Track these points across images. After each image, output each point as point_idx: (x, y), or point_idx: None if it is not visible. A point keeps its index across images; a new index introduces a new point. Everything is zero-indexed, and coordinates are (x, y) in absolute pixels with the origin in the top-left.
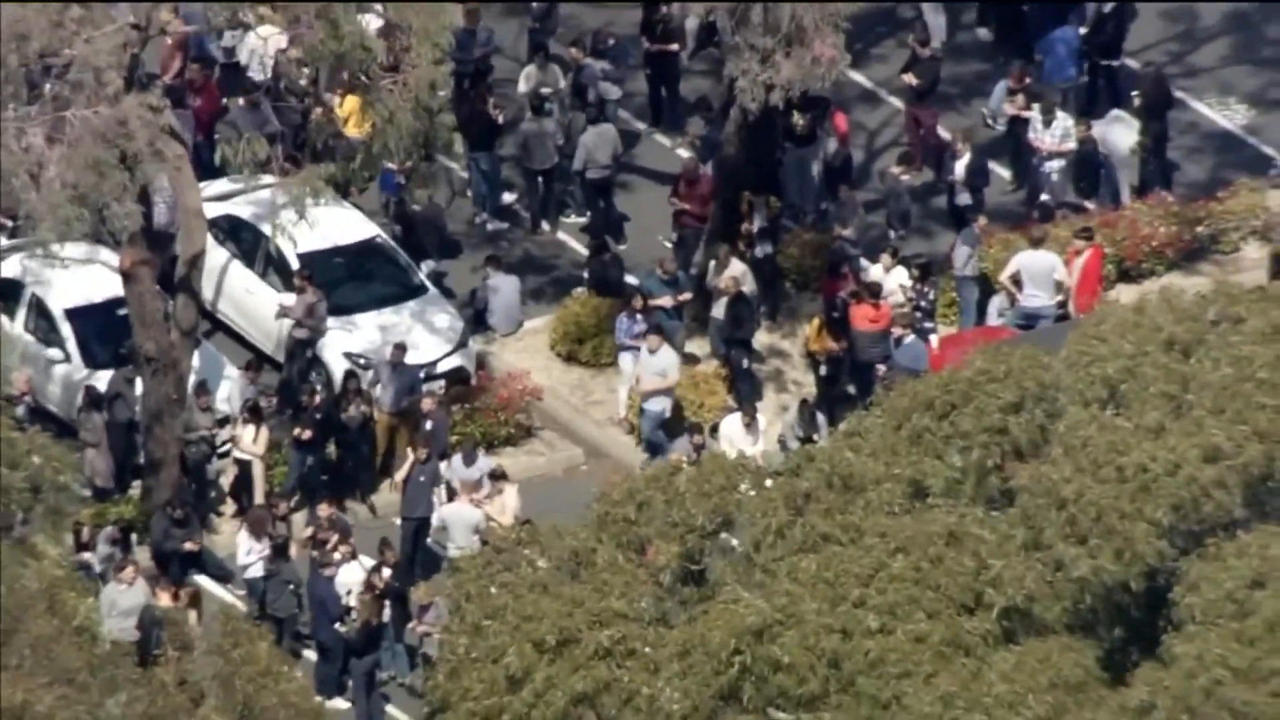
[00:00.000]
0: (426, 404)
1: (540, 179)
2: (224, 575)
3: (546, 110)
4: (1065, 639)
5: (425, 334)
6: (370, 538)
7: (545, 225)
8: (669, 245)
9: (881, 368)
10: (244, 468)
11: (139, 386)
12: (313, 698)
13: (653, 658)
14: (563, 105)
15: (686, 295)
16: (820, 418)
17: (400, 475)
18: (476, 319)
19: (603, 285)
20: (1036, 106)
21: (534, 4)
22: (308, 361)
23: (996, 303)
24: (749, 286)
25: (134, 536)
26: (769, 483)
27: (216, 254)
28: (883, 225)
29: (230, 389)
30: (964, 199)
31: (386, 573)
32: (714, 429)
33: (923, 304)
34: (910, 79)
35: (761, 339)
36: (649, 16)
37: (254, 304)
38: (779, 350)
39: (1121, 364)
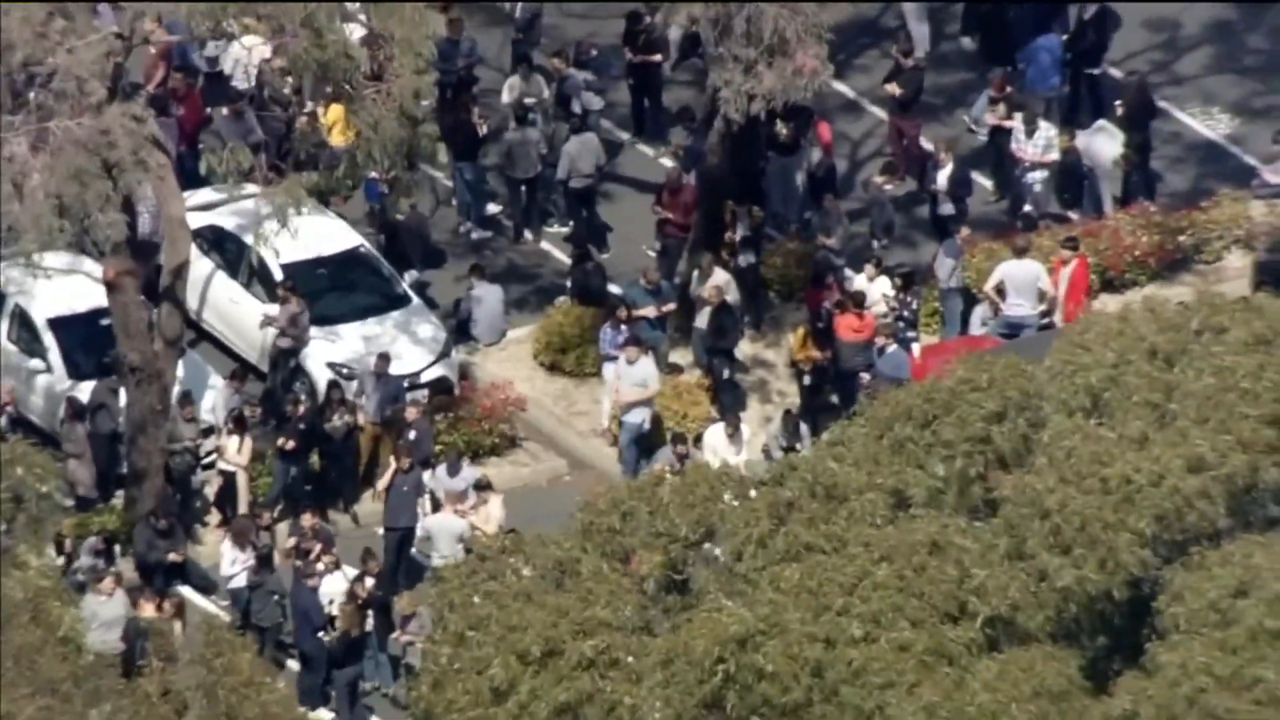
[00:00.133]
0: (410, 413)
1: (523, 188)
2: (208, 586)
3: (530, 120)
4: (1048, 648)
5: (408, 344)
6: (354, 548)
7: (528, 235)
8: (652, 255)
9: (865, 377)
10: (228, 478)
11: (123, 397)
12: (296, 708)
13: (636, 667)
14: (546, 115)
15: (670, 305)
16: (804, 428)
17: (382, 484)
18: (460, 329)
19: (586, 295)
20: (1019, 116)
21: (517, 15)
22: (291, 371)
23: (980, 312)
24: (732, 296)
25: (117, 547)
26: (752, 492)
27: (200, 264)
28: (866, 235)
29: (214, 399)
30: (947, 209)
31: (370, 583)
32: (698, 439)
33: (905, 313)
34: (893, 89)
35: (745, 349)
36: (632, 27)
37: (238, 314)
38: (763, 360)
39: (1105, 373)
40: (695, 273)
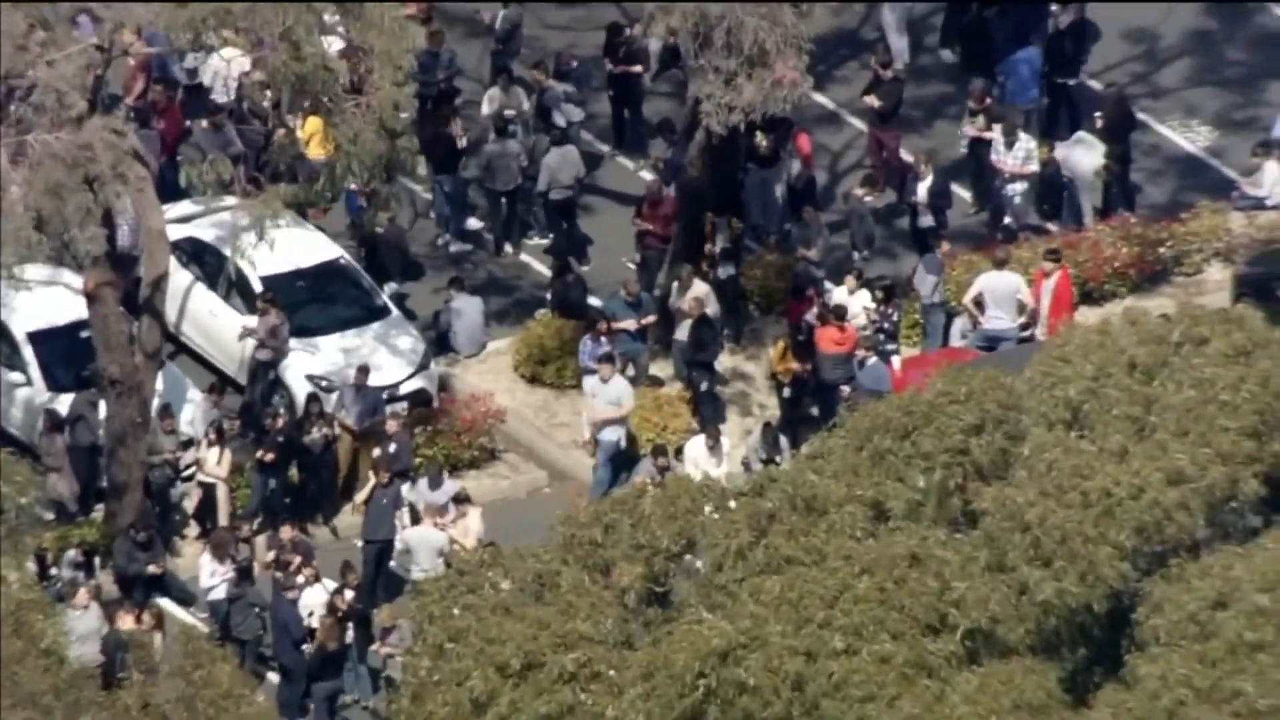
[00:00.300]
0: (390, 426)
1: (503, 200)
2: (187, 598)
3: (510, 132)
4: (1028, 661)
5: (388, 356)
6: (333, 560)
7: (508, 247)
8: (632, 267)
9: (845, 390)
10: (208, 490)
11: (102, 409)
12: None
13: (617, 680)
14: (526, 127)
15: (650, 317)
16: (783, 440)
17: (361, 497)
18: (439, 341)
19: (565, 307)
20: (998, 128)
21: (497, 26)
22: (270, 384)
23: (959, 325)
24: (712, 308)
25: (97, 559)
26: (732, 504)
27: (180, 276)
28: (846, 247)
29: (193, 412)
30: (927, 220)
31: (349, 595)
32: (678, 451)
33: (886, 326)
34: (873, 101)
35: (725, 361)
36: (612, 39)
37: (217, 326)
38: (742, 372)
39: (1084, 385)
40: (675, 285)
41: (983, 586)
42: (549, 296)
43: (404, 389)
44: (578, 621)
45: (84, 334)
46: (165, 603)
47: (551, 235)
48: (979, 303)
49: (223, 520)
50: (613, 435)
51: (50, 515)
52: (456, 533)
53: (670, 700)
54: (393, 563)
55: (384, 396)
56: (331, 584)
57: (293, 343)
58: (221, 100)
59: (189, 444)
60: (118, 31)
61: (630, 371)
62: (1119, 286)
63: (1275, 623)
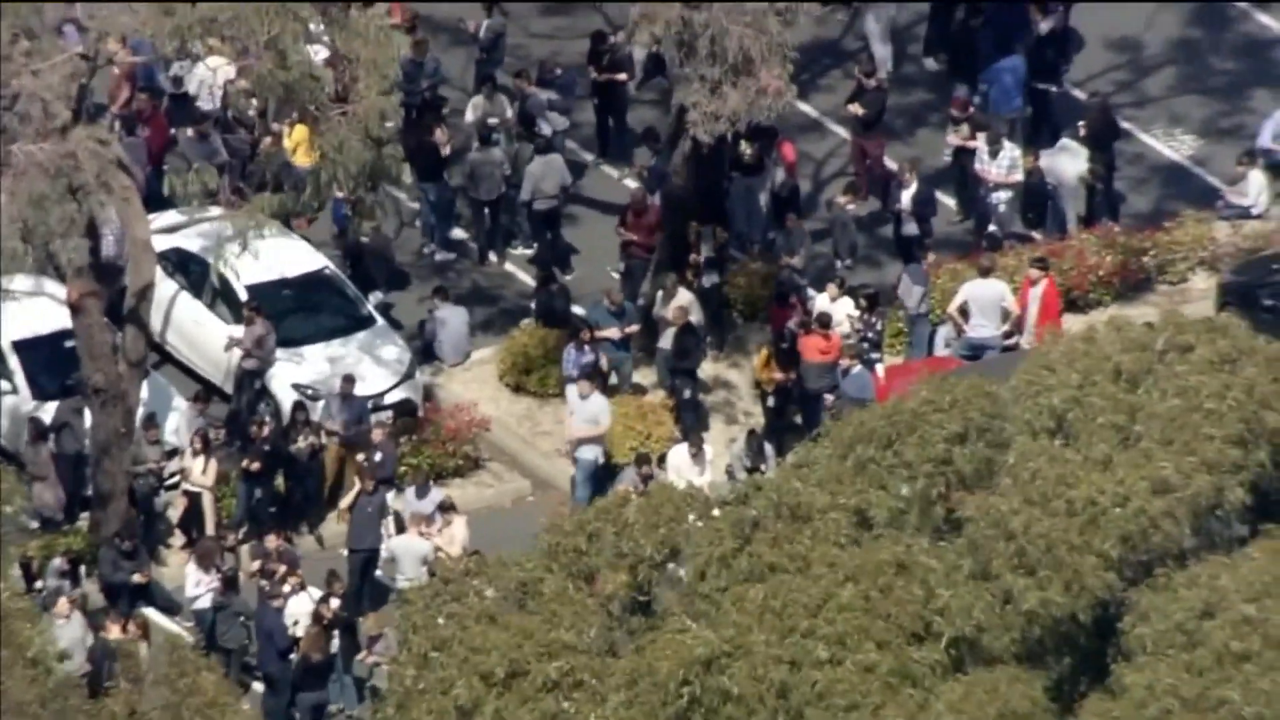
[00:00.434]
0: (376, 435)
1: (487, 209)
2: (172, 607)
3: (494, 141)
4: (1013, 669)
5: (373, 365)
6: (318, 569)
7: (493, 256)
8: (616, 276)
9: (829, 398)
10: (194, 499)
11: (87, 418)
12: None
13: (600, 689)
14: (510, 135)
15: (634, 326)
16: (768, 448)
17: (345, 503)
18: (424, 350)
19: (550, 316)
20: (982, 137)
21: (481, 35)
22: (256, 393)
23: (943, 333)
24: (696, 317)
25: (82, 568)
26: (716, 512)
27: (165, 286)
28: (830, 255)
29: (178, 421)
30: (911, 229)
31: (335, 604)
32: (661, 460)
33: (870, 334)
34: (856, 109)
35: (709, 369)
36: (596, 47)
37: (202, 335)
38: (726, 381)
39: (1069, 394)
40: (659, 293)
41: (967, 595)
42: (533, 305)
43: (389, 398)
44: (561, 630)
45: (69, 343)
46: (150, 612)
47: (535, 244)
48: (964, 311)
49: (209, 529)
50: (589, 454)
51: (35, 524)
52: (441, 541)
53: (654, 708)
54: (378, 571)
55: (370, 406)
56: (317, 593)
57: (278, 352)
58: (207, 109)
59: (174, 453)
60: (103, 40)
61: (614, 379)
62: (1103, 295)
63: (1262, 632)
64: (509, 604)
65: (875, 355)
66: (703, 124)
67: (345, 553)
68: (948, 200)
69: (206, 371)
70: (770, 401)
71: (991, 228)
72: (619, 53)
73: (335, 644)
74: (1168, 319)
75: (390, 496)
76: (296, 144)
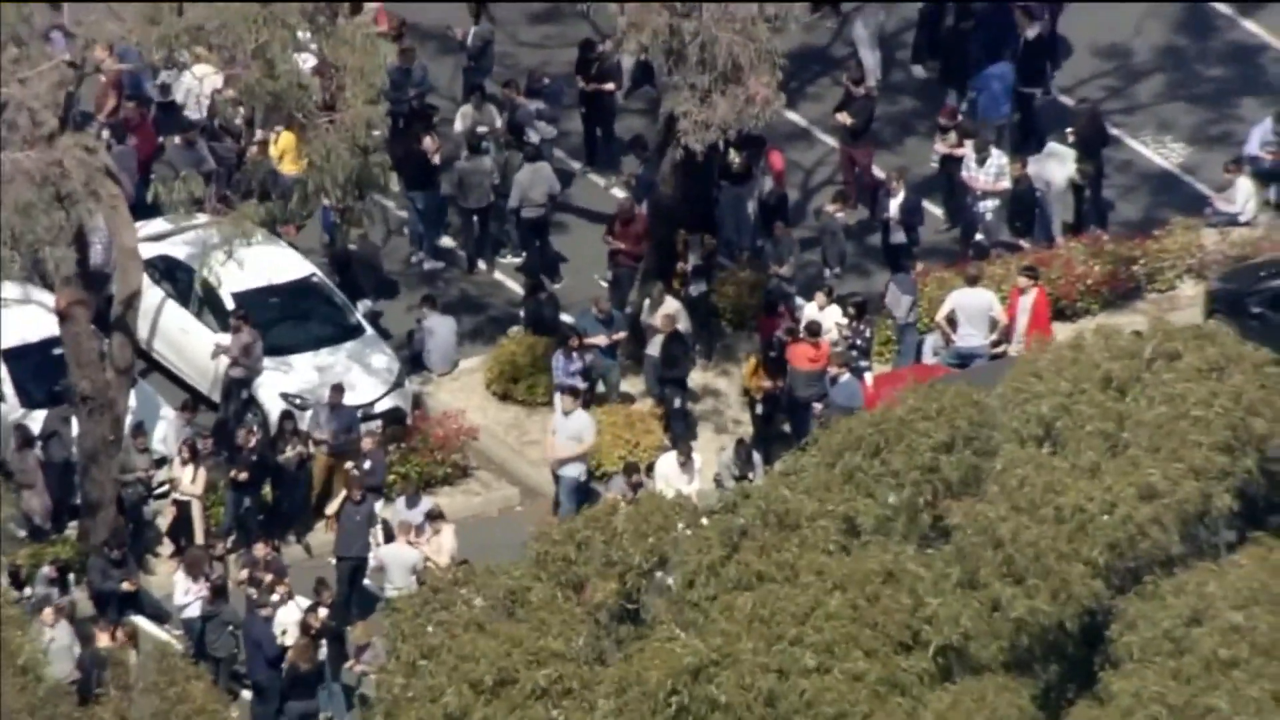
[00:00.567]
0: (365, 444)
1: (475, 218)
2: (160, 615)
3: (483, 149)
4: (1001, 678)
5: (362, 374)
6: (306, 578)
7: (481, 265)
8: (604, 284)
9: (818, 406)
10: (182, 508)
11: (75, 426)
12: None
13: (589, 697)
14: (498, 144)
15: (621, 334)
16: (756, 457)
17: (332, 509)
18: (413, 359)
19: (538, 324)
20: (970, 144)
21: (469, 43)
22: (243, 402)
23: (931, 341)
24: (684, 325)
25: (71, 576)
26: (704, 521)
27: (152, 294)
28: (818, 264)
29: (166, 429)
30: (899, 237)
31: (323, 613)
32: (649, 468)
33: (858, 342)
34: (844, 118)
35: (697, 378)
36: (584, 56)
37: (190, 344)
38: (714, 389)
39: (1057, 402)
40: (647, 302)
41: (955, 603)
42: (521, 314)
43: (378, 407)
44: (550, 638)
45: (57, 351)
46: (139, 620)
47: (524, 253)
48: (951, 320)
49: (198, 538)
50: (573, 471)
51: (23, 532)
52: (430, 550)
53: (643, 716)
54: (366, 580)
55: (358, 414)
56: (305, 602)
57: (266, 360)
58: (194, 117)
59: (161, 461)
60: (90, 48)
61: (601, 388)
62: (1091, 303)
63: (1250, 640)
64: (498, 612)
65: (864, 364)
66: (693, 132)
67: (333, 561)
68: (935, 209)
69: (194, 380)
70: (758, 410)
71: (979, 236)
72: (607, 62)
73: (323, 653)
74: (1155, 326)
75: (379, 506)
76: (283, 151)
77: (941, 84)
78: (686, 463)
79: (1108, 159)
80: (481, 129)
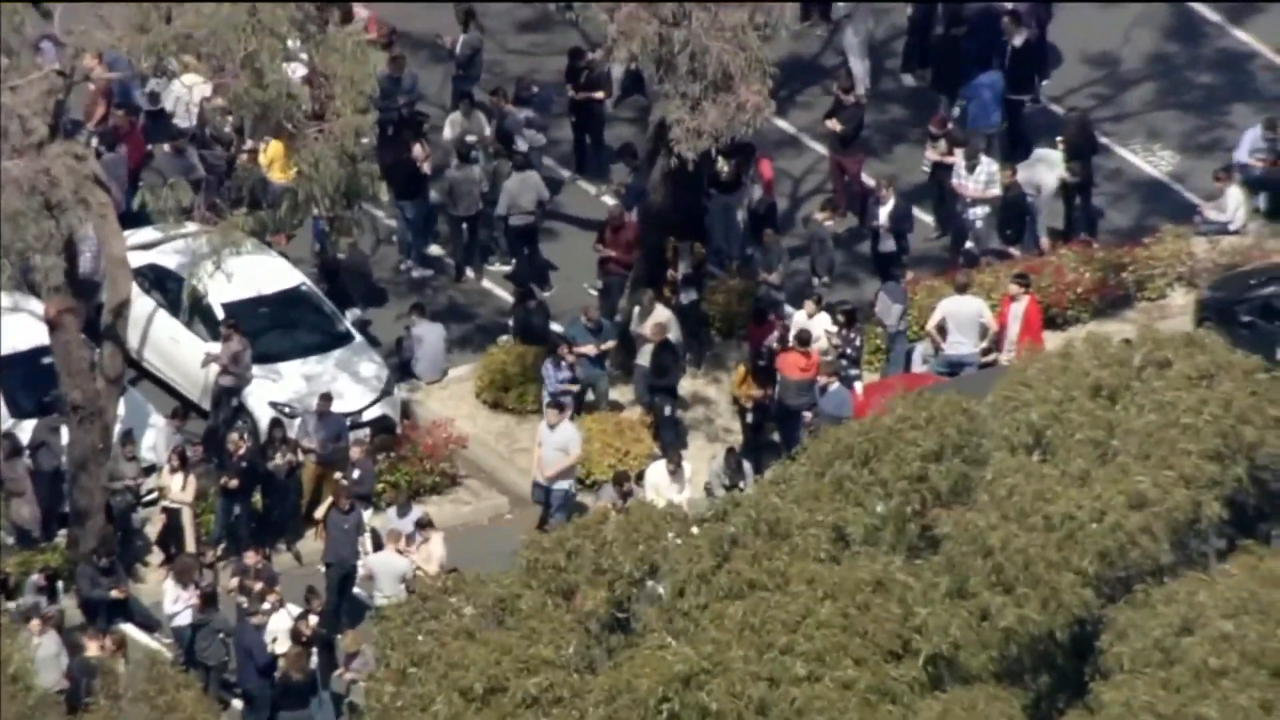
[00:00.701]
0: (354, 452)
1: (464, 226)
2: (150, 624)
3: (472, 158)
4: (991, 687)
5: (350, 382)
6: (296, 586)
7: (470, 273)
8: (594, 292)
9: (807, 415)
10: (172, 516)
11: (64, 435)
12: None
13: (579, 705)
14: (487, 152)
15: (611, 343)
16: (746, 465)
17: (320, 512)
18: (402, 367)
19: (527, 333)
20: (960, 152)
21: (458, 51)
22: (233, 410)
23: (921, 349)
24: (674, 334)
25: (60, 585)
26: (695, 529)
27: (142, 302)
28: (807, 272)
29: (155, 437)
30: (888, 245)
31: (313, 620)
32: (639, 477)
33: (848, 351)
34: (834, 125)
35: (687, 386)
36: (573, 64)
37: (179, 352)
38: (704, 398)
39: (1048, 410)
40: (636, 310)
41: (945, 613)
42: (510, 322)
43: (367, 415)
44: (540, 646)
45: (47, 360)
46: (129, 628)
47: (513, 261)
48: (941, 329)
49: (189, 546)
50: (563, 484)
51: (12, 540)
52: (419, 558)
53: None
54: (356, 589)
55: (347, 423)
56: (296, 610)
57: (255, 369)
58: (183, 125)
59: (150, 470)
60: (80, 57)
61: (590, 397)
62: (1081, 312)
63: (1240, 649)
64: (487, 620)
65: (854, 372)
66: (685, 140)
67: (323, 569)
68: (925, 216)
69: (184, 388)
70: (748, 419)
71: (968, 244)
72: (596, 70)
73: (314, 661)
74: (1145, 335)
75: (368, 514)
76: (272, 160)
77: (933, 90)
78: (676, 471)
79: (1097, 167)
80: (470, 137)
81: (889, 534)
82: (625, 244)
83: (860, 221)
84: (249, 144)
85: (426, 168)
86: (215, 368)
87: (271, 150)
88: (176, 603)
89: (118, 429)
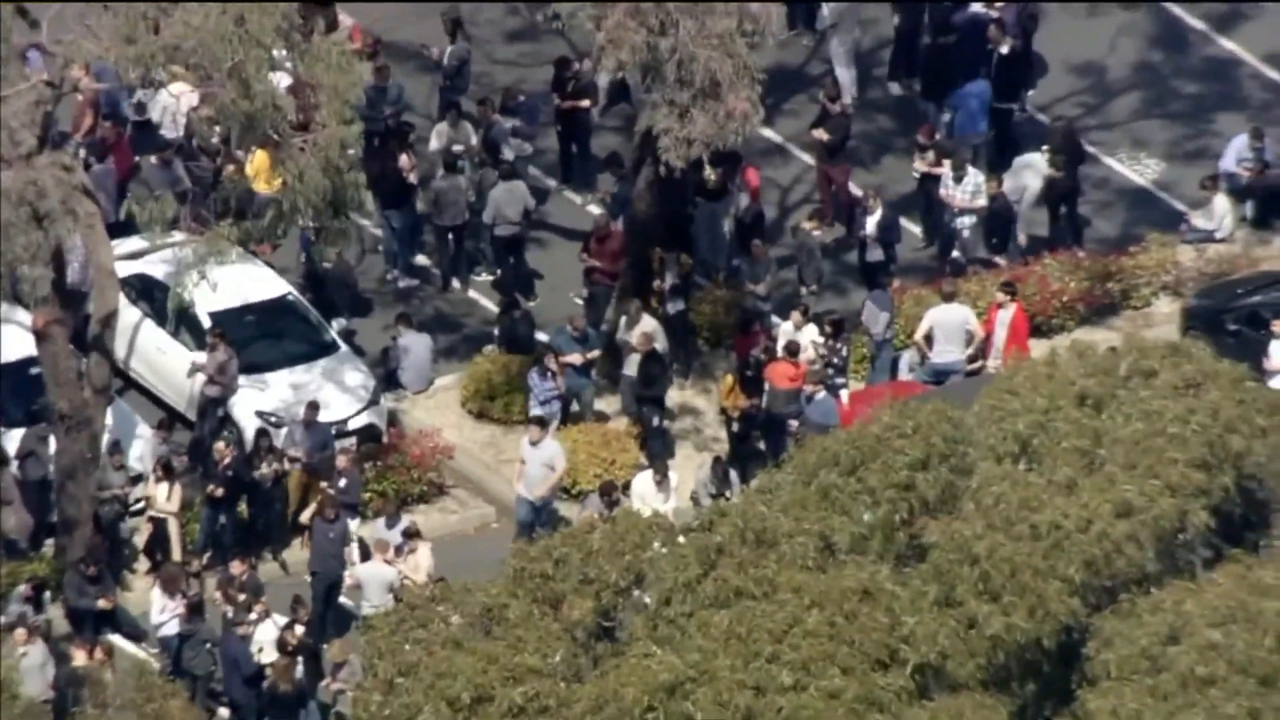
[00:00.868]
0: (340, 461)
1: (451, 236)
2: (137, 633)
3: (459, 168)
4: (978, 696)
5: (337, 392)
6: (283, 595)
7: (456, 283)
8: (580, 302)
9: (794, 424)
10: (158, 525)
11: (52, 444)
12: None
13: (565, 714)
14: (474, 162)
15: (596, 352)
16: (733, 475)
17: (306, 516)
18: (388, 377)
19: (513, 342)
20: (947, 162)
21: (444, 62)
22: (219, 419)
23: (907, 358)
24: (661, 344)
25: (47, 594)
26: (681, 539)
27: (129, 312)
28: (794, 282)
29: (142, 447)
30: (876, 255)
31: (299, 630)
32: (625, 487)
33: (835, 360)
34: (821, 135)
35: (673, 396)
36: (560, 74)
37: (166, 362)
38: (691, 407)
39: (1033, 419)
40: (623, 320)
41: (932, 621)
42: (496, 332)
43: (353, 425)
44: (527, 655)
45: (34, 370)
46: (116, 638)
47: (499, 270)
48: (929, 338)
49: (175, 555)
50: (551, 498)
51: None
52: (406, 568)
53: None
54: (343, 598)
55: (334, 432)
56: (282, 619)
57: (241, 378)
58: (170, 136)
59: (138, 479)
60: (68, 67)
61: (575, 407)
62: (1067, 320)
63: (1227, 657)
64: (475, 630)
65: (840, 381)
66: (674, 149)
67: (309, 578)
68: (913, 226)
69: (170, 398)
70: (735, 428)
71: (955, 253)
72: (583, 80)
73: (300, 670)
74: (1131, 343)
75: (355, 524)
76: (257, 170)
77: (922, 99)
78: (663, 481)
79: (1084, 175)
80: (457, 147)
81: (876, 543)
82: (611, 254)
83: (848, 231)
84: (237, 154)
85: (413, 178)
86: (201, 377)
87: (257, 161)
88: (163, 612)
89: (105, 439)
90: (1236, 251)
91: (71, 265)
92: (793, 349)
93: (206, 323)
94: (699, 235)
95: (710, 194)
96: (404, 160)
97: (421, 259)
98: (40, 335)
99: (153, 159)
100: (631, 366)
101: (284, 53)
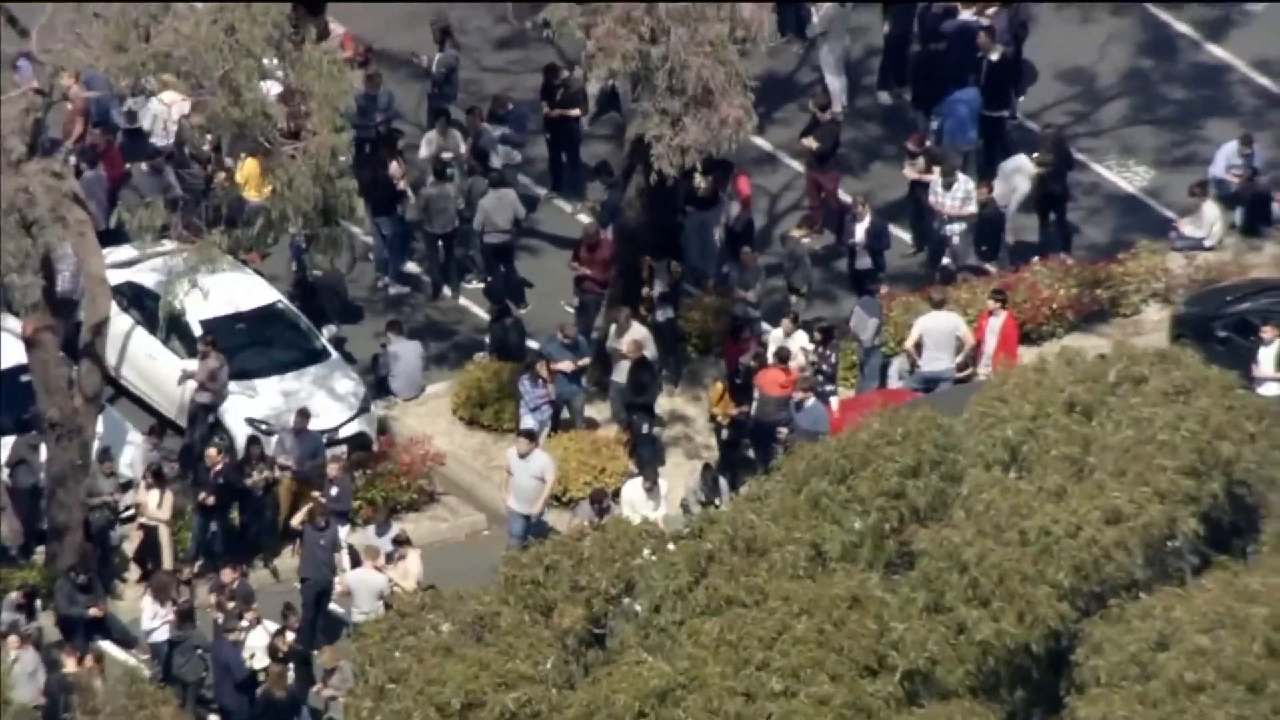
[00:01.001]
0: (331, 469)
1: (441, 243)
2: (128, 640)
3: (448, 175)
4: (968, 702)
5: (327, 399)
6: (273, 602)
7: (446, 290)
8: (570, 310)
9: (783, 431)
10: (149, 533)
11: (43, 452)
12: None
13: None
14: (463, 170)
15: (586, 360)
16: (722, 482)
17: (297, 520)
18: (378, 384)
19: (504, 350)
20: (937, 169)
21: (434, 69)
22: (210, 426)
23: (897, 365)
24: (650, 351)
25: (38, 601)
26: (671, 546)
27: (119, 320)
28: (784, 289)
29: (133, 454)
30: (865, 262)
31: (290, 637)
32: (615, 494)
33: (824, 367)
34: (811, 143)
35: (663, 404)
36: (549, 81)
37: (157, 370)
38: (681, 415)
39: (1023, 425)
40: (613, 327)
41: (921, 628)
42: (487, 339)
43: (344, 432)
44: (517, 662)
45: (25, 378)
46: (106, 645)
47: (489, 278)
48: (919, 346)
49: (166, 562)
50: (541, 508)
51: None
52: (396, 575)
53: None
54: (334, 605)
55: (324, 439)
56: (273, 626)
57: (232, 386)
58: (161, 144)
59: (128, 486)
60: (58, 75)
61: (565, 414)
62: (1057, 327)
63: (1216, 664)
64: (465, 637)
65: (830, 388)
66: (668, 156)
67: (299, 585)
68: (902, 233)
69: (161, 405)
70: (725, 435)
71: (945, 260)
72: (572, 87)
73: (291, 676)
74: (1120, 350)
75: (345, 531)
76: (248, 178)
77: (913, 107)
78: (652, 488)
79: (1073, 182)
80: (446, 155)
81: (866, 550)
82: (601, 261)
83: (837, 239)
84: (227, 162)
85: (403, 185)
86: (192, 384)
87: (247, 168)
88: (154, 619)
89: (96, 446)
90: (1226, 258)
91: (62, 273)
92: (783, 355)
93: (197, 330)
94: (689, 243)
95: (701, 202)
96: (394, 168)
97: (412, 266)
98: (30, 343)
99: (143, 167)
100: (621, 374)
101: (275, 61)
